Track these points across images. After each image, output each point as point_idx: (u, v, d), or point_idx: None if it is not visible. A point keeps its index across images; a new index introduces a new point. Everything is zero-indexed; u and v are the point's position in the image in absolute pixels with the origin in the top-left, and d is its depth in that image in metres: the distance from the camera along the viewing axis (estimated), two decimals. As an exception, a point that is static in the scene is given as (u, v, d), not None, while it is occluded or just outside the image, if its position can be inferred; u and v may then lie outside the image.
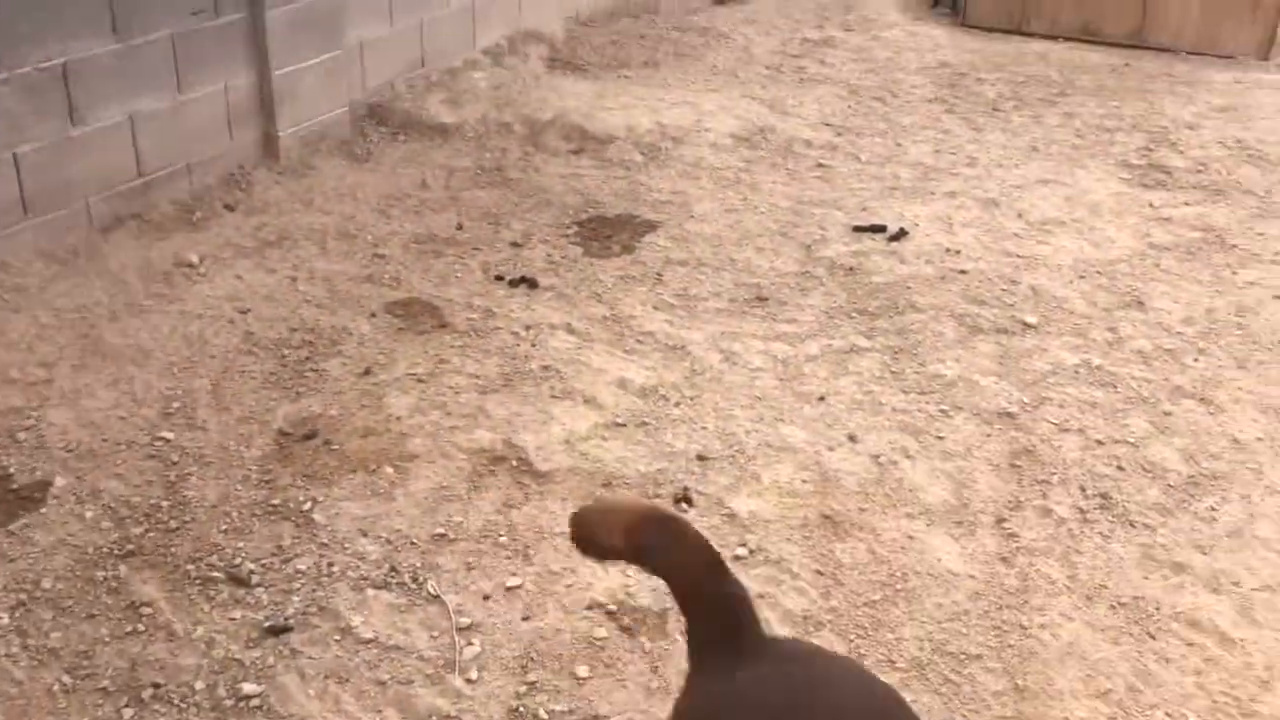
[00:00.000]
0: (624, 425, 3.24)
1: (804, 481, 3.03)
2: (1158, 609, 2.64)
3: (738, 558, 2.73)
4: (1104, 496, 3.02)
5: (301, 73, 4.84)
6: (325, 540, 2.71)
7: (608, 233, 4.50)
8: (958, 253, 4.42)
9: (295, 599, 2.53)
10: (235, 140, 4.67)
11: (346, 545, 2.70)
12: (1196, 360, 3.73)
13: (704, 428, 3.25)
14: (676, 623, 2.53)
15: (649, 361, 3.57)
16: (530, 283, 4.03)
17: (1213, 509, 3.00)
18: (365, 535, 2.74)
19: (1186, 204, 4.97)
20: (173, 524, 2.75)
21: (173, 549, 2.67)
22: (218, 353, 3.48)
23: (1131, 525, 2.92)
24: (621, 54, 6.67)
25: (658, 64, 6.57)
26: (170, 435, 3.08)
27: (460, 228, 4.45)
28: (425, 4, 5.67)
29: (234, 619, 2.49)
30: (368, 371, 3.43)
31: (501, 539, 2.77)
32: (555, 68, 6.37)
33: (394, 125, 5.36)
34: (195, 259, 4.02)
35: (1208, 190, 5.11)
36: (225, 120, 4.61)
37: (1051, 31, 7.43)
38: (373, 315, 3.76)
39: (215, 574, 2.60)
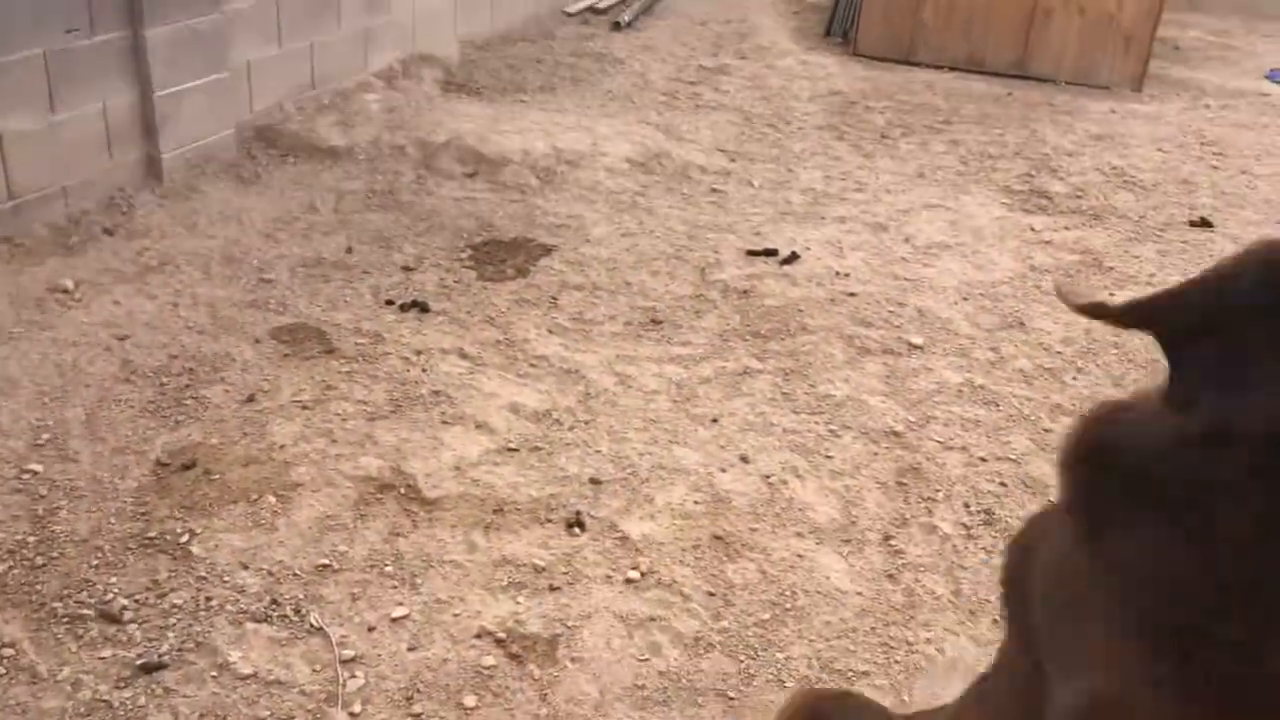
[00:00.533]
0: (516, 450, 3.20)
1: (696, 503, 3.04)
2: (1038, 621, 2.70)
3: (630, 581, 2.72)
4: (987, 513, 3.09)
5: (185, 93, 4.72)
6: (203, 573, 2.62)
7: (502, 256, 4.47)
8: (847, 276, 4.50)
9: (170, 635, 2.44)
10: (115, 162, 4.53)
11: (226, 578, 2.61)
12: (1075, 379, 3.85)
13: (598, 451, 3.24)
14: (566, 649, 2.51)
15: (543, 385, 3.55)
16: (421, 307, 3.98)
17: (1090, 523, 3.08)
18: (246, 567, 2.65)
19: (1066, 228, 5.15)
20: (39, 560, 2.63)
21: (38, 586, 2.55)
22: (93, 381, 3.35)
23: (1013, 540, 2.99)
24: (517, 78, 6.66)
25: (554, 88, 6.57)
26: (39, 468, 2.95)
27: (350, 251, 4.38)
28: (316, 26, 5.59)
29: (103, 658, 2.38)
30: (251, 399, 3.34)
31: (388, 568, 2.71)
32: (450, 91, 6.33)
33: (283, 147, 5.25)
34: (70, 284, 3.87)
35: (1086, 215, 5.31)
36: (104, 141, 4.47)
37: (938, 61, 7.65)
38: (257, 341, 3.67)
39: (85, 611, 2.49)
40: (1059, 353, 4.01)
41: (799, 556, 2.87)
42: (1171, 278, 4.65)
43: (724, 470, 3.19)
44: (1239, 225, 5.23)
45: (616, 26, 8.02)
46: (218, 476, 2.97)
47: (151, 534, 2.74)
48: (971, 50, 7.59)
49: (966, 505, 3.12)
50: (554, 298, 4.15)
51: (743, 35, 8.18)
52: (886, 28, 7.70)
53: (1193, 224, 5.22)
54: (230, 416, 3.24)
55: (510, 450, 3.20)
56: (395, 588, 2.64)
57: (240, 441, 3.13)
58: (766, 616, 2.65)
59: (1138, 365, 3.95)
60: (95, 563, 2.63)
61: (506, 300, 4.09)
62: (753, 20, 8.56)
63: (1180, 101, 7.22)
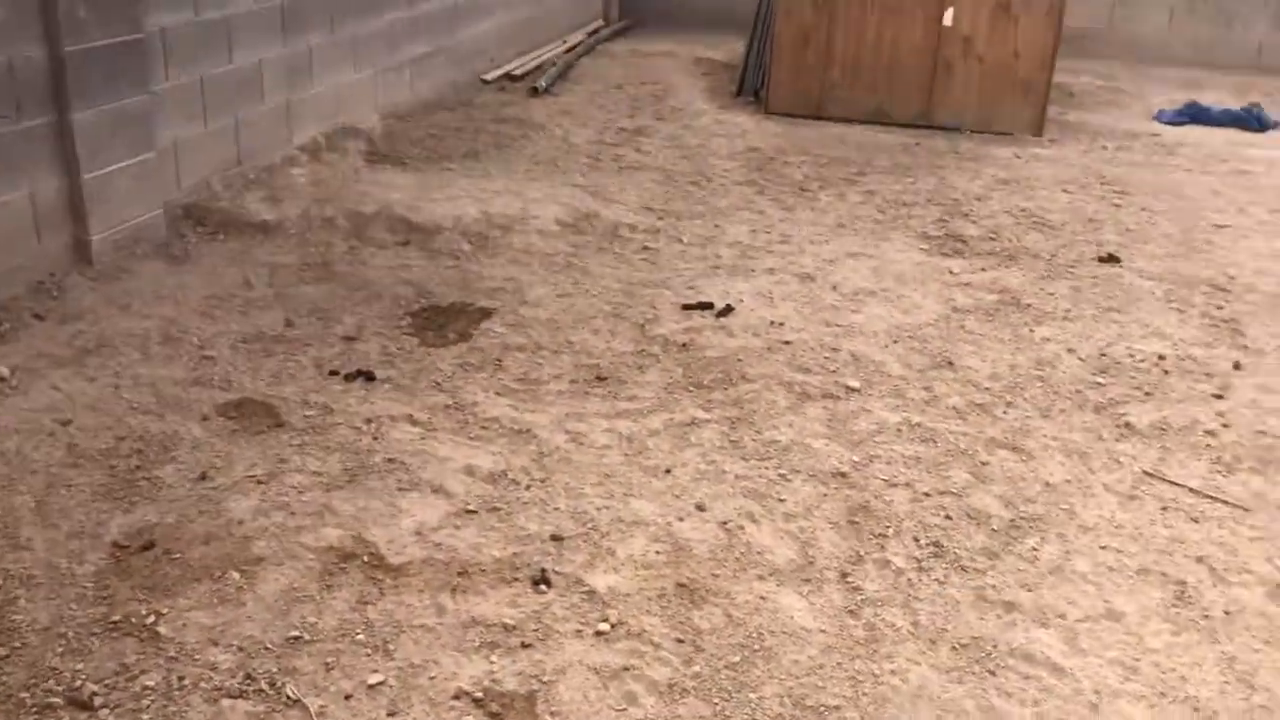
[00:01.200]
0: (475, 512, 3.24)
1: (658, 553, 3.10)
2: (995, 646, 2.81)
3: (600, 633, 2.76)
4: (936, 545, 3.21)
5: (113, 175, 4.71)
6: (173, 653, 2.60)
7: (442, 322, 4.52)
8: (781, 324, 4.63)
9: (145, 717, 2.41)
10: (44, 246, 4.49)
11: (196, 656, 2.60)
12: (1005, 412, 4.01)
13: (556, 508, 3.29)
14: (544, 704, 2.54)
15: (495, 447, 3.60)
16: (367, 376, 4.00)
17: (1034, 549, 3.22)
18: (216, 644, 2.64)
19: (983, 269, 5.37)
20: (1, 651, 2.58)
21: (3, 678, 2.50)
22: (39, 467, 3.30)
23: (964, 570, 3.11)
24: (441, 146, 6.75)
25: (479, 155, 6.67)
26: (-9, 558, 2.90)
27: (289, 325, 4.39)
28: (239, 102, 5.62)
29: (76, 746, 2.35)
30: (204, 476, 3.32)
31: (359, 636, 2.71)
32: (375, 162, 6.39)
33: (212, 225, 5.25)
34: (6, 372, 3.82)
35: (1000, 256, 5.55)
36: (32, 227, 4.43)
37: (847, 115, 7.94)
38: (205, 418, 3.66)
39: (54, 699, 2.45)
40: (987, 388, 4.18)
41: (762, 599, 2.94)
42: (1085, 310, 4.89)
43: (681, 519, 3.26)
44: (1144, 259, 5.52)
45: (534, 92, 8.17)
46: (178, 556, 2.95)
47: (116, 617, 2.71)
48: (879, 104, 7.90)
49: (916, 539, 3.23)
50: (498, 360, 4.20)
51: (658, 97, 8.40)
52: (795, 86, 7.98)
53: (1101, 260, 5.48)
54: (185, 495, 3.22)
55: (470, 512, 3.23)
56: (369, 655, 2.65)
57: (197, 519, 3.11)
58: (736, 659, 2.72)
59: (1063, 397, 4.14)
60: (60, 650, 2.59)
61: (451, 365, 4.14)
62: (666, 82, 8.79)
63: (1079, 144, 7.59)
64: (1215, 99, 8.60)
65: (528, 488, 3.38)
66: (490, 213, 5.60)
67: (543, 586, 2.93)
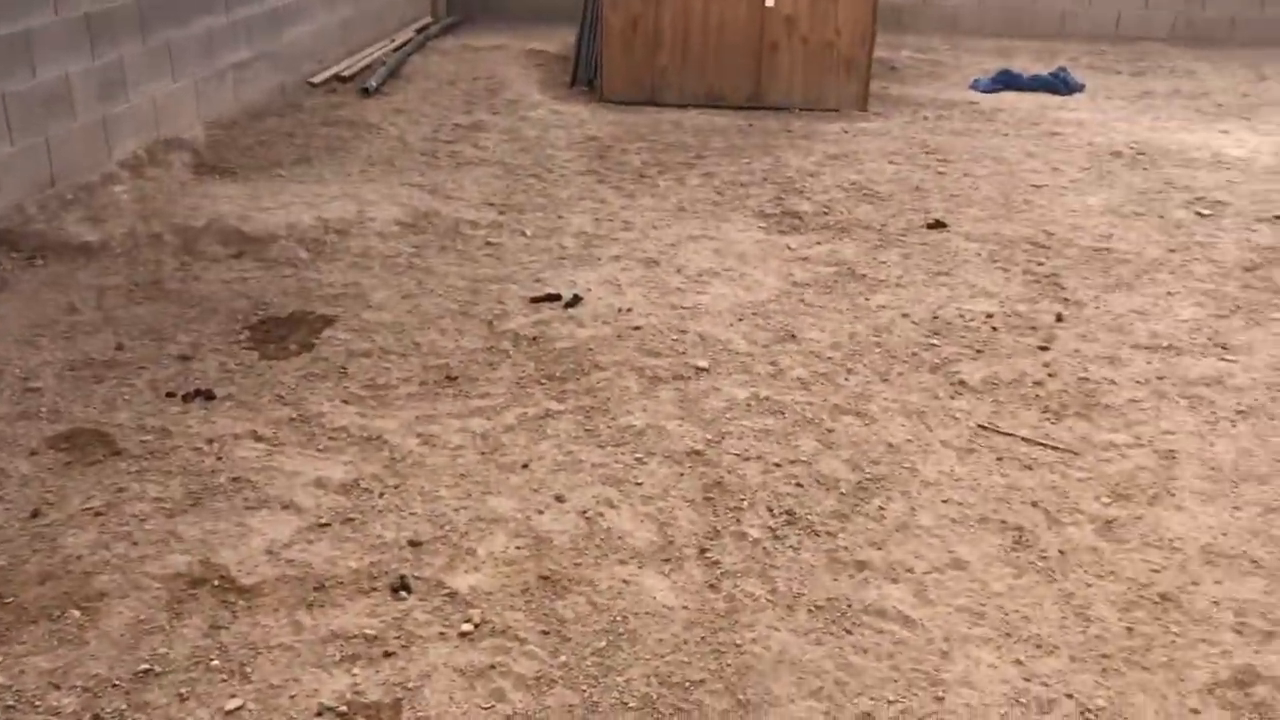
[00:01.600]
0: (329, 525, 3.17)
1: (519, 548, 3.10)
2: (849, 606, 2.91)
3: (464, 634, 2.75)
4: (789, 513, 3.30)
5: (-89, 203, 4.42)
6: (11, 702, 2.47)
7: (282, 333, 4.40)
8: (629, 311, 4.68)
9: (-16, 773, 2.29)
10: None
11: (37, 702, 2.48)
12: (847, 379, 4.15)
13: (413, 513, 3.25)
14: (410, 711, 2.51)
15: (345, 457, 3.53)
16: (206, 395, 3.87)
17: (881, 508, 3.35)
18: (58, 687, 2.52)
19: (819, 243, 5.53)
20: None
21: None
22: None
23: (816, 534, 3.21)
24: (271, 153, 6.56)
25: (311, 160, 6.51)
26: None
27: (120, 348, 4.20)
28: (48, 119, 5.35)
29: (-89, 811, 2.21)
30: (36, 514, 3.16)
31: (214, 663, 2.63)
32: (202, 173, 6.17)
33: (28, 250, 4.99)
34: None
35: (834, 229, 5.72)
36: None
37: (681, 101, 8.04)
38: (33, 453, 3.48)
39: (-120, 766, 2.30)
40: (829, 358, 4.31)
41: (624, 582, 2.98)
42: (916, 276, 5.08)
43: (541, 512, 3.27)
44: (969, 223, 5.77)
45: (365, 92, 8.01)
46: (11, 600, 2.80)
47: (-55, 671, 2.56)
48: (710, 87, 8.03)
49: (770, 509, 3.32)
50: (343, 368, 4.12)
51: (493, 91, 8.34)
52: (628, 73, 8.04)
53: (929, 226, 5.71)
54: (15, 535, 3.06)
55: (323, 526, 3.17)
56: (225, 680, 2.57)
57: (31, 559, 2.96)
58: (602, 644, 2.74)
59: (900, 360, 4.30)
60: (-115, 712, 2.44)
61: (294, 377, 4.04)
62: (500, 75, 8.73)
63: (903, 116, 7.87)
64: (1025, 66, 9.03)
65: (381, 495, 3.33)
66: (326, 218, 5.48)
67: (403, 593, 2.89)
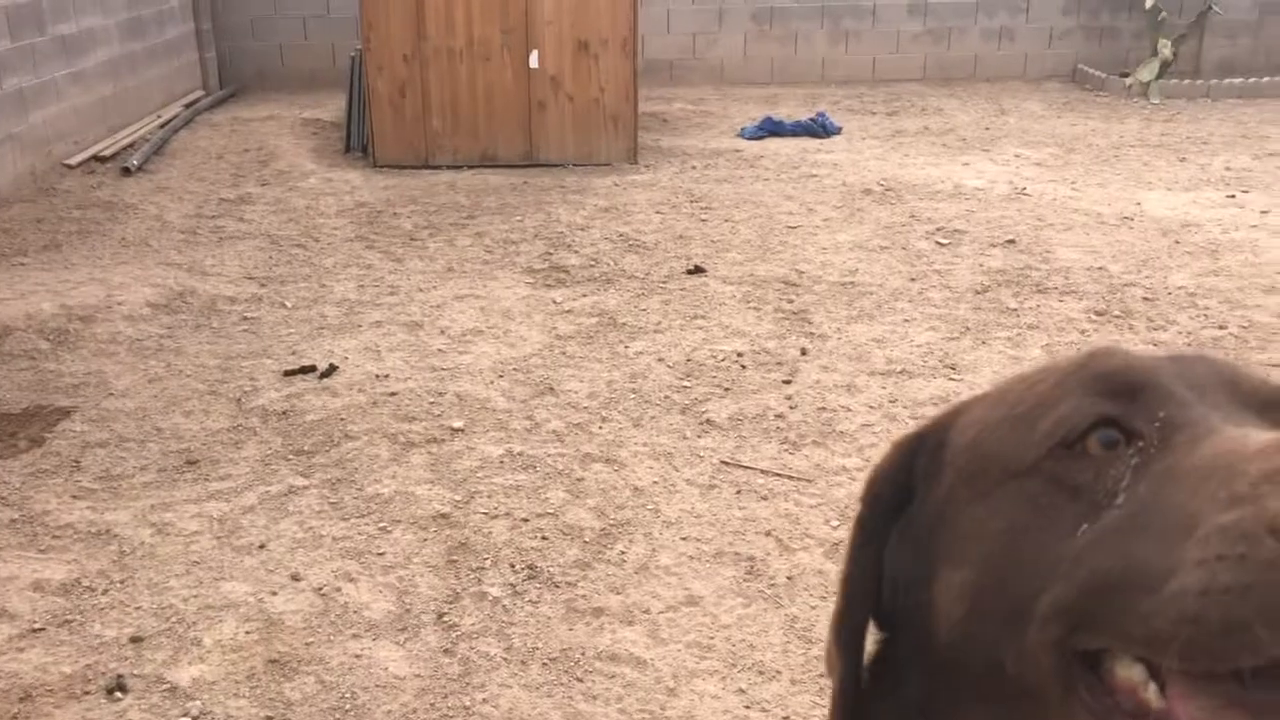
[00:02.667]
0: (43, 629, 3.02)
1: (248, 633, 3.02)
2: (583, 654, 2.95)
3: (182, 729, 2.66)
4: (531, 567, 3.32)
5: None
6: None
7: (11, 430, 4.18)
8: (387, 377, 4.64)
9: None
10: None
11: None
12: (601, 427, 4.22)
13: (138, 608, 3.12)
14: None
15: (69, 555, 3.37)
16: (-80, 503, 3.64)
17: (623, 553, 3.41)
18: None
19: (584, 295, 5.63)
20: None
21: None
22: None
23: (556, 586, 3.24)
24: (15, 242, 6.25)
25: (59, 245, 6.24)
26: None
27: None
28: None
29: None
30: None
31: (-102, 793, 2.46)
32: (-64, 266, 5.83)
33: None
34: None
35: (599, 280, 5.83)
36: None
37: (455, 162, 8.09)
38: None
39: None
40: (586, 407, 4.38)
41: (356, 657, 2.93)
42: (674, 321, 5.23)
43: (275, 593, 3.19)
44: (726, 267, 5.98)
45: (126, 171, 7.74)
46: None
47: None
48: (484, 148, 8.10)
49: (512, 565, 3.33)
50: (76, 461, 3.94)
51: (263, 162, 8.19)
52: (400, 138, 8.04)
53: (689, 272, 5.89)
54: None
55: (36, 631, 3.01)
56: (-93, 812, 2.41)
57: None
58: (328, 723, 2.69)
59: (653, 404, 4.41)
60: None
61: (20, 476, 3.84)
62: (271, 145, 8.59)
63: (672, 167, 8.12)
64: (789, 112, 9.47)
65: (105, 592, 3.19)
66: (69, 305, 5.25)
67: (118, 694, 2.77)
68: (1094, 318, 5.16)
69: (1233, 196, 7.11)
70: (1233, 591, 0.63)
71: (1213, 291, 5.45)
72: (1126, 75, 10.39)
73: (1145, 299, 5.37)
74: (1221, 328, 5.01)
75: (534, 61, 7.87)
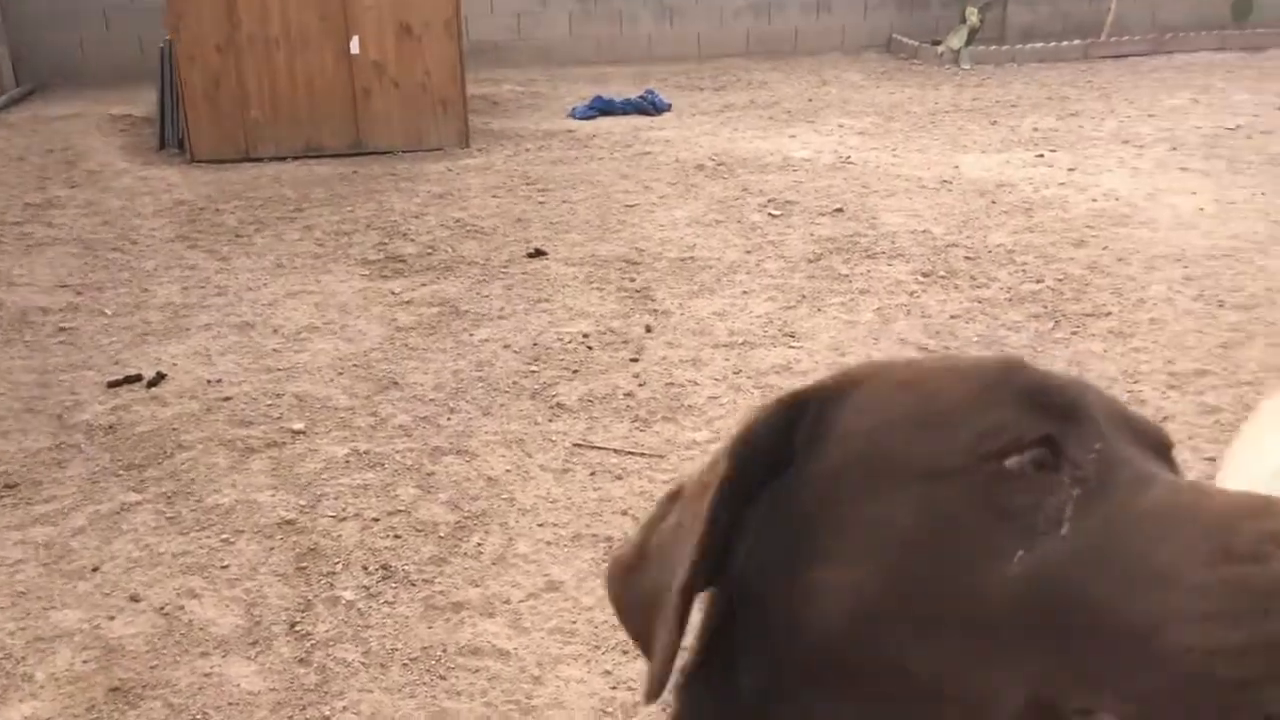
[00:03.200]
0: None
1: (85, 662, 2.86)
2: (444, 651, 2.90)
3: (18, 771, 2.50)
4: (385, 567, 3.25)
5: None
6: None
7: None
8: (219, 382, 4.46)
9: None
10: None
11: None
12: (449, 419, 4.16)
13: (-41, 648, 2.92)
14: None
15: (-123, 597, 3.12)
16: None
17: (479, 544, 3.37)
18: None
19: (423, 284, 5.52)
20: None
21: None
22: None
23: (412, 584, 3.18)
24: None
25: None
26: None
27: None
28: None
29: None
30: None
31: None
32: None
33: None
34: None
35: (438, 268, 5.73)
36: None
37: (279, 154, 7.80)
38: None
39: None
40: (432, 400, 4.30)
41: (206, 676, 2.81)
42: (518, 306, 5.19)
43: (112, 618, 3.03)
44: (567, 248, 5.96)
45: (-86, 179, 7.18)
46: None
47: None
48: (309, 138, 7.84)
49: (365, 567, 3.25)
50: (-122, 495, 3.65)
51: (70, 163, 7.73)
52: (218, 130, 7.70)
53: (529, 256, 5.85)
54: None
55: None
56: None
57: None
58: (179, 748, 2.58)
59: (502, 391, 4.36)
60: None
61: None
62: (78, 145, 8.11)
63: (505, 150, 8.04)
64: (619, 90, 9.49)
65: (-79, 634, 2.97)
66: None
67: (-57, 741, 2.59)
68: (921, 279, 5.36)
69: (1041, 156, 7.49)
70: (1249, 652, 0.62)
71: (1029, 248, 5.73)
72: (938, 43, 10.81)
73: (967, 258, 5.61)
74: (1039, 282, 5.28)
75: (355, 47, 7.65)
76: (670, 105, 9.04)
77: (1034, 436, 0.74)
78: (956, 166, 7.30)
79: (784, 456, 0.84)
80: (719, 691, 0.85)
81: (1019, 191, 6.71)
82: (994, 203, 6.50)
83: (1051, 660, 0.68)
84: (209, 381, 4.46)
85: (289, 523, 3.48)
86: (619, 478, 3.74)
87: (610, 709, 2.69)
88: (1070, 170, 7.13)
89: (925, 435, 0.77)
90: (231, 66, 7.58)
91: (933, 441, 0.76)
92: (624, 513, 3.53)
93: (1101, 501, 0.71)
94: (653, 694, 0.83)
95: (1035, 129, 8.26)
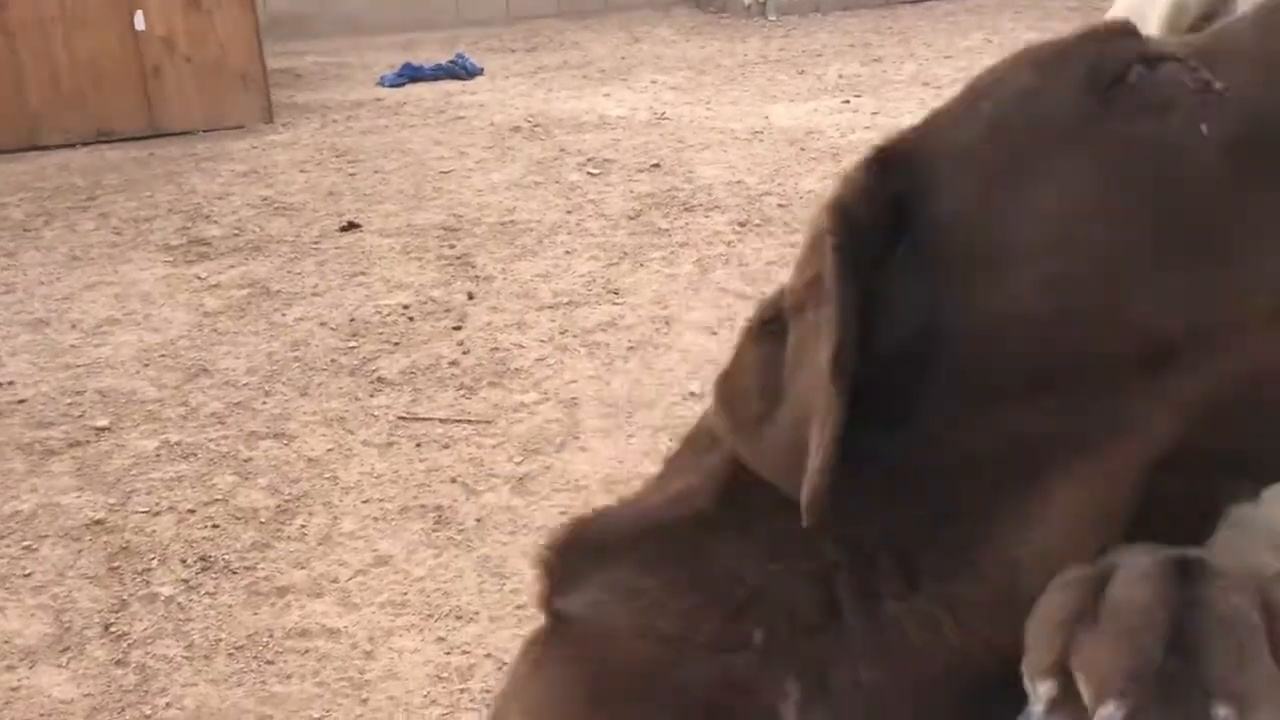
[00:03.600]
0: None
1: (-126, 691, 2.66)
2: (271, 635, 2.82)
3: None
4: (204, 559, 3.13)
5: None
6: None
7: None
8: (12, 384, 4.19)
9: None
10: None
11: None
12: (265, 403, 4.02)
13: None
14: None
15: None
16: None
17: (303, 526, 3.28)
18: None
19: (231, 267, 5.30)
20: None
21: None
22: None
23: (234, 573, 3.07)
24: None
25: None
26: None
27: None
28: None
29: None
30: None
31: None
32: None
33: None
34: None
35: (246, 250, 5.51)
36: None
37: (67, 141, 7.33)
38: None
39: None
40: (246, 384, 4.15)
41: (14, 690, 2.66)
42: (333, 281, 5.04)
43: (-97, 641, 2.83)
44: (381, 219, 5.82)
45: None
46: None
47: None
48: (98, 123, 7.39)
49: (183, 560, 3.13)
50: None
51: None
52: (-6, 119, 7.19)
53: (343, 229, 5.68)
54: None
55: None
56: None
57: None
58: (-14, 769, 2.43)
59: (319, 370, 4.24)
60: None
61: None
62: None
63: (312, 123, 7.77)
64: (429, 56, 9.29)
65: None
66: None
67: None
68: (737, 228, 5.46)
69: (847, 102, 7.71)
70: None
71: (838, 191, 5.90)
72: (745, -3, 10.98)
73: (780, 206, 5.74)
74: (848, 223, 5.44)
75: (140, 23, 7.24)
76: (482, 69, 8.91)
77: (1131, 51, 0.71)
78: (767, 117, 7.44)
79: (889, 219, 0.76)
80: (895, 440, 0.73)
81: (827, 138, 6.89)
82: (803, 150, 6.66)
83: None
84: (0, 384, 4.19)
85: (98, 523, 3.31)
86: (446, 446, 3.69)
87: (445, 674, 2.66)
88: (874, 114, 7.36)
89: (1038, 105, 0.72)
90: (4, 50, 7.07)
91: (1050, 106, 0.71)
92: (453, 480, 3.49)
93: (1214, 61, 0.69)
94: (814, 508, 0.69)
95: (840, 76, 8.49)
